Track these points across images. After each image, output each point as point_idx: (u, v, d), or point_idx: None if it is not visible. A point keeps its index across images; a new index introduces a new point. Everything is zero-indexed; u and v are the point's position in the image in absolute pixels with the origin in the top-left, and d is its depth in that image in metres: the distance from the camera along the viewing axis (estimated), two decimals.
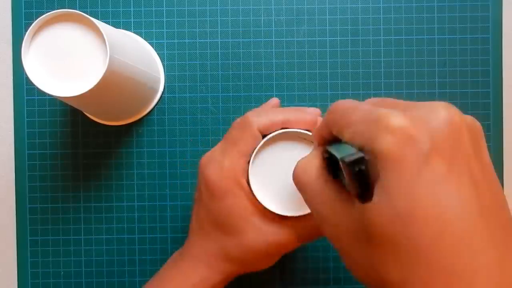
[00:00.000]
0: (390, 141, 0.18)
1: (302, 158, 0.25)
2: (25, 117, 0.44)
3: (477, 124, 0.20)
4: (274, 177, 0.32)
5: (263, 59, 0.44)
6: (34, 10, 0.44)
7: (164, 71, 0.44)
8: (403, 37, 0.44)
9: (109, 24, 0.39)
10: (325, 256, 0.44)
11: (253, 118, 0.32)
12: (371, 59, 0.44)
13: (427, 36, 0.44)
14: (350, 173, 0.18)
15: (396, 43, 0.44)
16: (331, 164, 0.23)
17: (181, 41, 0.44)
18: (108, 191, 0.44)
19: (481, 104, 0.44)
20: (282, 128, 0.32)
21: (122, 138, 0.44)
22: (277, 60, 0.44)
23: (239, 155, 0.31)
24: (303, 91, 0.44)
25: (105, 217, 0.44)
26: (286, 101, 0.44)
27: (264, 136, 0.32)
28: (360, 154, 0.18)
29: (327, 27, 0.44)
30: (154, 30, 0.44)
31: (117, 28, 0.43)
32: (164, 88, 0.44)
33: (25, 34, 0.32)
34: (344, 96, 0.44)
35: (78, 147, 0.44)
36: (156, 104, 0.44)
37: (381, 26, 0.44)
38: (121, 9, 0.44)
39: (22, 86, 0.44)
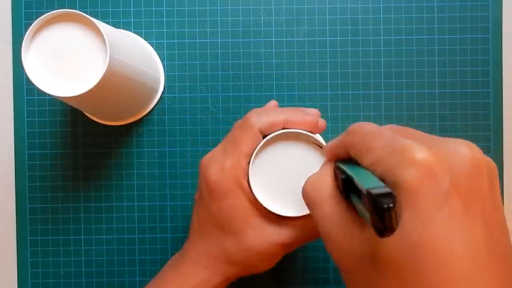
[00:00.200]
0: (413, 174, 0.18)
1: (313, 174, 0.25)
2: (25, 117, 0.44)
3: (494, 164, 0.20)
4: (275, 178, 0.32)
5: (263, 59, 0.44)
6: (34, 10, 0.44)
7: (164, 71, 0.44)
8: (403, 37, 0.44)
9: (109, 24, 0.39)
10: (325, 256, 0.44)
11: (254, 118, 0.32)
12: (371, 59, 0.44)
13: (427, 36, 0.44)
14: (375, 206, 0.17)
15: (396, 43, 0.44)
16: (343, 183, 0.22)
17: (181, 41, 0.44)
18: (108, 191, 0.44)
19: (481, 104, 0.44)
20: (282, 129, 0.32)
21: (122, 138, 0.44)
22: (277, 60, 0.44)
23: (240, 156, 0.31)
24: (303, 91, 0.44)
25: (105, 217, 0.44)
26: (286, 101, 0.44)
27: (264, 136, 0.32)
28: (389, 189, 0.17)
29: (327, 27, 0.44)
30: (154, 30, 0.44)
31: (117, 28, 0.43)
32: (164, 88, 0.44)
33: (25, 34, 0.32)
34: (344, 96, 0.44)
35: (78, 147, 0.44)
36: (156, 104, 0.44)
37: (381, 26, 0.44)
38: (121, 9, 0.44)
39: (22, 86, 0.44)
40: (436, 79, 0.44)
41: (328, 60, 0.44)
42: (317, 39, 0.44)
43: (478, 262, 0.18)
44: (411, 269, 0.18)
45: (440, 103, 0.44)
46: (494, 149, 0.44)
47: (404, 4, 0.44)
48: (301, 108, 0.35)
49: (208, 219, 0.33)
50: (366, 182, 0.19)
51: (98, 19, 0.43)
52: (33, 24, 0.32)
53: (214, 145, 0.44)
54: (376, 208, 0.17)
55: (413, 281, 0.18)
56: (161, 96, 0.44)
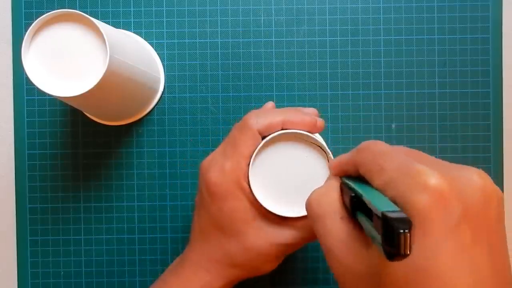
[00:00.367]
0: (425, 200, 0.18)
1: (318, 188, 0.25)
2: (25, 117, 0.44)
3: (502, 194, 0.20)
4: (275, 178, 0.32)
5: (263, 59, 0.44)
6: (34, 10, 0.44)
7: (164, 71, 0.44)
8: (403, 37, 0.44)
9: (109, 24, 0.39)
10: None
11: (252, 120, 0.32)
12: (371, 59, 0.44)
13: (427, 36, 0.44)
14: (390, 230, 0.17)
15: (396, 43, 0.44)
16: (351, 201, 0.22)
17: (181, 41, 0.44)
18: (108, 191, 0.44)
19: (481, 104, 0.44)
20: (281, 129, 0.32)
21: (122, 138, 0.44)
22: (277, 60, 0.44)
23: (240, 158, 0.31)
24: (303, 91, 0.44)
25: (105, 217, 0.44)
26: (286, 101, 0.44)
27: (264, 137, 0.32)
28: (405, 215, 0.17)
29: (327, 27, 0.44)
30: (154, 30, 0.44)
31: (117, 28, 0.43)
32: (164, 88, 0.44)
33: (25, 34, 0.32)
34: (344, 96, 0.44)
35: (78, 147, 0.44)
36: (156, 104, 0.44)
37: (381, 26, 0.44)
38: (121, 9, 0.44)
39: (22, 86, 0.44)
40: (436, 79, 0.44)
41: (328, 60, 0.44)
42: (317, 39, 0.44)
43: None
44: None
45: (440, 103, 0.44)
46: (494, 149, 0.44)
47: (404, 4, 0.44)
48: (299, 108, 0.35)
49: (209, 221, 0.33)
50: (380, 204, 0.19)
51: (98, 19, 0.43)
52: (33, 24, 0.32)
53: (214, 145, 0.44)
54: (390, 232, 0.17)
55: None
56: (161, 96, 0.44)
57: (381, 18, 0.44)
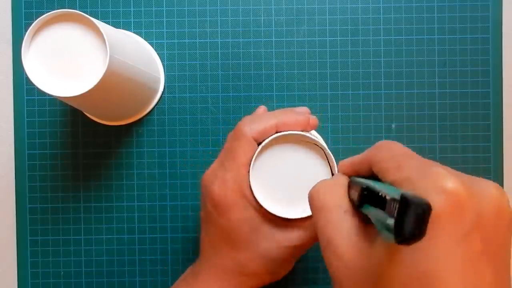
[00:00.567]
0: (442, 202, 0.18)
1: (325, 180, 0.25)
2: (25, 117, 0.44)
3: None
4: (276, 181, 0.32)
5: (263, 59, 0.44)
6: (34, 10, 0.44)
7: (164, 71, 0.44)
8: (403, 37, 0.44)
9: (109, 24, 0.39)
10: None
11: (245, 127, 0.32)
12: (371, 59, 0.44)
13: (427, 36, 0.44)
14: (408, 208, 0.16)
15: (396, 43, 0.44)
16: (360, 194, 0.22)
17: (181, 41, 0.44)
18: (108, 191, 0.44)
19: (481, 104, 0.44)
20: (276, 132, 0.32)
21: (122, 138, 0.44)
22: (277, 60, 0.44)
23: (239, 167, 0.31)
24: (303, 91, 0.44)
25: (105, 217, 0.44)
26: (286, 101, 0.44)
27: (259, 143, 0.32)
28: (425, 199, 0.17)
29: (327, 27, 0.44)
30: (154, 30, 0.44)
31: (117, 28, 0.43)
32: (164, 88, 0.44)
33: (25, 34, 0.32)
34: (344, 96, 0.44)
35: (78, 147, 0.44)
36: (156, 104, 0.44)
37: (381, 26, 0.44)
38: (121, 9, 0.44)
39: (22, 86, 0.44)
40: (436, 79, 0.44)
41: (328, 60, 0.44)
42: (317, 39, 0.44)
43: None
44: None
45: (440, 103, 0.44)
46: (494, 149, 0.44)
47: (404, 4, 0.44)
48: (291, 109, 0.35)
49: (218, 235, 0.32)
50: (395, 190, 0.18)
51: (98, 19, 0.43)
52: (33, 24, 0.32)
53: (214, 145, 0.44)
54: (408, 210, 0.16)
55: None
56: (161, 96, 0.44)
57: (381, 18, 0.44)
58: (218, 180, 0.32)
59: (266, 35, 0.44)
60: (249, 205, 0.31)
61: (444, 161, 0.44)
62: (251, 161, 0.31)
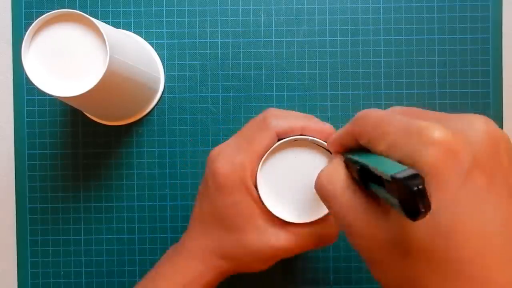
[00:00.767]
0: (433, 154, 0.18)
1: (324, 168, 0.25)
2: (25, 117, 0.44)
3: (508, 136, 0.20)
4: (283, 182, 0.32)
5: (263, 59, 0.44)
6: (34, 10, 0.44)
7: (164, 71, 0.44)
8: (403, 37, 0.44)
9: (109, 24, 0.39)
10: (325, 256, 0.44)
11: (272, 121, 0.31)
12: (371, 59, 0.44)
13: (427, 36, 0.44)
14: (404, 190, 0.17)
15: (396, 43, 0.44)
16: (359, 174, 0.22)
17: (181, 41, 0.44)
18: (108, 191, 0.44)
19: (481, 104, 0.44)
20: (300, 135, 0.32)
21: (122, 138, 0.44)
22: (277, 60, 0.44)
23: (252, 155, 0.31)
24: (303, 91, 0.44)
25: (105, 217, 0.44)
26: (286, 101, 0.44)
27: (279, 139, 0.32)
28: (414, 170, 0.17)
29: (327, 27, 0.44)
30: (154, 30, 0.44)
31: (117, 28, 0.43)
32: (164, 88, 0.44)
33: (25, 34, 0.32)
34: (344, 96, 0.44)
35: (78, 147, 0.44)
36: (156, 104, 0.44)
37: (381, 26, 0.44)
38: (121, 9, 0.44)
39: (22, 86, 0.44)
40: (436, 79, 0.44)
41: (328, 60, 0.44)
42: (317, 39, 0.44)
43: (509, 236, 0.18)
44: (445, 254, 0.18)
45: (440, 103, 0.44)
46: None
47: (404, 4, 0.44)
48: (317, 119, 0.34)
49: (210, 212, 0.32)
50: (387, 168, 0.18)
51: (98, 19, 0.43)
52: (33, 24, 0.32)
53: (214, 145, 0.44)
54: (406, 192, 0.16)
55: (448, 266, 0.18)
56: (161, 96, 0.44)
57: (381, 18, 0.44)
58: (226, 159, 0.31)
59: (266, 35, 0.44)
60: (248, 194, 0.31)
61: None
62: (265, 153, 0.31)
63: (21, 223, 0.44)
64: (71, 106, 0.44)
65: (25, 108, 0.44)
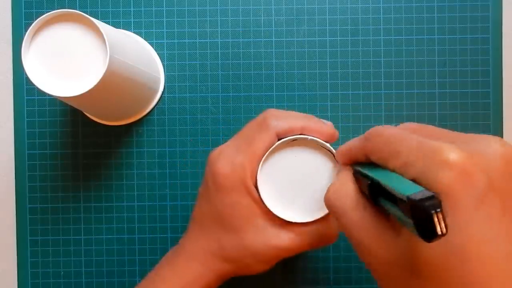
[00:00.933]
0: (448, 176, 0.18)
1: (333, 183, 0.25)
2: (25, 117, 0.44)
3: None
4: (283, 182, 0.32)
5: (263, 59, 0.44)
6: (34, 10, 0.44)
7: (164, 71, 0.44)
8: (403, 37, 0.44)
9: (109, 24, 0.39)
10: (325, 256, 0.44)
11: (272, 121, 0.31)
12: (371, 59, 0.44)
13: (427, 36, 0.44)
14: (421, 212, 0.16)
15: (396, 43, 0.44)
16: (369, 189, 0.22)
17: (181, 41, 0.44)
18: (108, 191, 0.44)
19: (481, 104, 0.44)
20: (300, 134, 0.32)
21: (122, 138, 0.44)
22: (277, 60, 0.44)
23: (252, 155, 0.31)
24: (303, 91, 0.44)
25: (105, 217, 0.44)
26: (286, 101, 0.44)
27: (279, 139, 0.32)
28: (431, 192, 0.17)
29: (327, 27, 0.44)
30: (154, 30, 0.44)
31: (117, 28, 0.43)
32: (164, 88, 0.44)
33: (25, 34, 0.32)
34: (344, 96, 0.44)
35: (78, 147, 0.44)
36: (156, 104, 0.44)
37: (381, 26, 0.44)
38: (121, 9, 0.44)
39: (22, 86, 0.44)
40: (436, 79, 0.44)
41: (328, 60, 0.44)
42: (317, 39, 0.44)
43: None
44: (456, 276, 0.18)
45: (440, 103, 0.44)
46: None
47: (404, 4, 0.44)
48: (317, 118, 0.34)
49: (210, 213, 0.32)
50: (402, 187, 0.18)
51: (98, 19, 0.43)
52: (33, 24, 0.32)
53: (214, 145, 0.44)
54: (422, 214, 0.16)
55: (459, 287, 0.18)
56: (161, 96, 0.44)
57: (381, 18, 0.44)
58: (225, 159, 0.31)
59: (266, 35, 0.44)
60: (249, 193, 0.31)
61: None
62: (265, 153, 0.31)
63: (21, 223, 0.44)
64: (71, 106, 0.44)
65: (25, 108, 0.44)
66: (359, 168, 0.24)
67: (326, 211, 0.32)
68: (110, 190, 0.44)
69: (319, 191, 0.32)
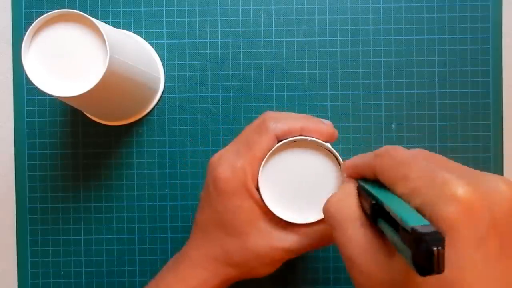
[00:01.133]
0: (454, 211, 0.18)
1: (335, 193, 0.25)
2: (25, 117, 0.44)
3: None
4: (284, 183, 0.32)
5: (263, 59, 0.44)
6: (34, 10, 0.44)
7: (164, 71, 0.44)
8: (403, 37, 0.44)
9: (109, 24, 0.39)
10: (325, 256, 0.44)
11: (271, 124, 0.31)
12: (371, 59, 0.44)
13: (427, 36, 0.44)
14: (422, 246, 0.16)
15: (396, 43, 0.44)
16: (372, 208, 0.22)
17: (181, 41, 0.44)
18: (108, 191, 0.44)
19: (481, 104, 0.44)
20: (299, 135, 0.32)
21: (122, 138, 0.44)
22: (277, 60, 0.44)
23: (252, 159, 0.31)
24: (303, 91, 0.44)
25: (105, 217, 0.44)
26: (286, 101, 0.44)
27: (279, 141, 0.32)
28: (436, 230, 0.17)
29: (327, 27, 0.44)
30: (154, 30, 0.44)
31: (117, 28, 0.43)
32: (164, 88, 0.44)
33: (25, 34, 0.32)
34: (344, 96, 0.44)
35: (78, 147, 0.44)
36: (156, 104, 0.44)
37: (381, 26, 0.44)
38: (121, 9, 0.44)
39: (22, 86, 0.44)
40: (436, 79, 0.44)
41: (328, 60, 0.44)
42: (317, 39, 0.44)
43: None
44: None
45: (440, 103, 0.44)
46: (494, 149, 0.44)
47: (404, 4, 0.44)
48: (316, 118, 0.34)
49: (212, 218, 0.32)
50: (407, 216, 0.18)
51: (98, 19, 0.43)
52: (33, 24, 0.32)
53: (214, 145, 0.44)
54: (423, 248, 0.16)
55: None
56: (161, 96, 0.44)
57: (381, 18, 0.44)
58: (226, 164, 0.31)
59: (266, 35, 0.44)
60: (251, 197, 0.31)
61: None
62: (265, 156, 0.31)
63: (21, 223, 0.44)
64: (71, 106, 0.44)
65: (25, 108, 0.44)
66: (364, 185, 0.24)
67: None
68: (110, 190, 0.44)
69: (320, 191, 0.32)
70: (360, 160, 0.25)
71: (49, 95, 0.32)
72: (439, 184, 0.19)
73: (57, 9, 0.34)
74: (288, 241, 0.31)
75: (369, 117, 0.44)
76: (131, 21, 0.44)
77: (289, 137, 0.31)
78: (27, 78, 0.37)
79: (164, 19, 0.44)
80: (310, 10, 0.44)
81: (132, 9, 0.44)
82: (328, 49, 0.44)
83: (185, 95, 0.44)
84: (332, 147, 0.32)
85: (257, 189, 0.31)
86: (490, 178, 0.19)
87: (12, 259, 0.44)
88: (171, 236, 0.44)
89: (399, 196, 0.21)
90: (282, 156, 0.32)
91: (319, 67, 0.44)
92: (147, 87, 0.41)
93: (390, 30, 0.44)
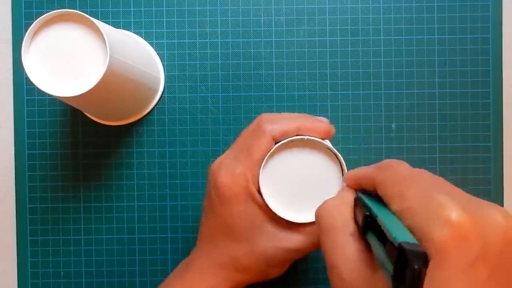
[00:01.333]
0: (445, 235, 0.18)
1: (330, 199, 0.25)
2: (25, 117, 0.44)
3: None
4: (285, 184, 0.32)
5: (263, 59, 0.44)
6: (34, 10, 0.44)
7: (164, 71, 0.44)
8: (403, 37, 0.44)
9: (109, 24, 0.39)
10: None
11: (267, 126, 0.31)
12: (371, 59, 0.44)
13: (427, 36, 0.44)
14: (404, 263, 0.16)
15: (396, 43, 0.44)
16: (364, 220, 0.22)
17: (181, 41, 0.44)
18: (108, 191, 0.44)
19: (481, 104, 0.44)
20: (296, 135, 0.32)
21: (122, 138, 0.44)
22: (277, 60, 0.44)
23: (252, 163, 0.31)
24: (303, 91, 0.44)
25: (105, 217, 0.44)
26: (286, 101, 0.44)
27: (276, 142, 0.32)
28: (423, 250, 0.17)
29: (327, 27, 0.44)
30: (154, 30, 0.44)
31: (117, 28, 0.43)
32: (164, 88, 0.44)
33: (25, 34, 0.32)
34: (344, 96, 0.44)
35: (78, 147, 0.44)
36: (156, 104, 0.44)
37: (381, 26, 0.44)
38: (121, 9, 0.44)
39: (22, 86, 0.44)
40: (436, 79, 0.44)
41: (328, 60, 0.44)
42: (317, 39, 0.44)
43: None
44: None
45: (440, 103, 0.44)
46: (494, 149, 0.44)
47: (404, 4, 0.44)
48: (312, 116, 0.34)
49: (217, 225, 0.32)
50: (396, 231, 0.18)
51: (98, 19, 0.43)
52: (33, 24, 0.32)
53: (214, 145, 0.44)
54: (403, 264, 0.16)
55: None
56: (161, 96, 0.44)
57: (381, 18, 0.44)
58: (226, 170, 0.31)
59: (266, 35, 0.44)
60: (253, 201, 0.31)
61: (444, 161, 0.44)
62: (264, 158, 0.31)
63: (21, 223, 0.44)
64: (71, 106, 0.44)
65: (25, 108, 0.44)
66: (362, 196, 0.24)
67: None
68: (110, 190, 0.44)
69: (320, 189, 0.32)
70: (362, 171, 0.26)
71: (49, 95, 0.32)
72: (434, 206, 0.19)
73: (57, 9, 0.34)
74: (294, 241, 0.31)
75: (369, 117, 0.44)
76: (131, 21, 0.44)
77: (286, 138, 0.31)
78: (27, 78, 0.37)
79: (164, 19, 0.44)
80: (310, 10, 0.44)
81: (132, 9, 0.44)
82: (328, 49, 0.44)
83: (185, 95, 0.44)
84: (332, 146, 0.33)
85: (259, 192, 0.31)
86: (487, 207, 0.19)
87: (12, 259, 0.44)
88: (171, 236, 0.44)
89: (393, 213, 0.21)
90: (281, 157, 0.32)
91: (319, 67, 0.44)
92: (147, 87, 0.41)
93: (390, 30, 0.44)
